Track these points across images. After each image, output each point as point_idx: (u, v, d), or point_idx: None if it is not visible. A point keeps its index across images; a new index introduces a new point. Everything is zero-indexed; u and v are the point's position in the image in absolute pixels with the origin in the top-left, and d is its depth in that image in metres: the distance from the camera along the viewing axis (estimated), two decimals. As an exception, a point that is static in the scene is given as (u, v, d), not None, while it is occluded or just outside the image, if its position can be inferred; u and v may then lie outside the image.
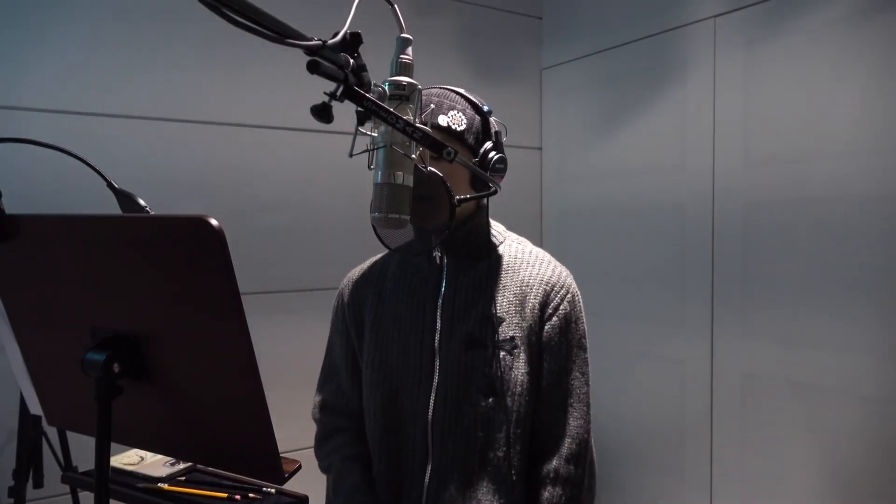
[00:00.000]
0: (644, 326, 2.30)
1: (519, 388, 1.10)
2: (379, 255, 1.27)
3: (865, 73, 1.69)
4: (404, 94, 0.88)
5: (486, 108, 1.13)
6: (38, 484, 1.64)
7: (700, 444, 2.13)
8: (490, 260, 1.16)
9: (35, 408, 1.40)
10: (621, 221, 2.38)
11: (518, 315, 1.11)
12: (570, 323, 1.14)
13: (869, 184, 1.69)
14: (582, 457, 1.12)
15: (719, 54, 2.03)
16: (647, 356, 2.30)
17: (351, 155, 0.92)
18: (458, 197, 1.03)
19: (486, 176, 1.09)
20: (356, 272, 1.27)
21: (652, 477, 2.30)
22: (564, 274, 1.17)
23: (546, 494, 1.09)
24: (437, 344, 1.13)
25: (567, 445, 1.11)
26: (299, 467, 1.57)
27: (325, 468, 1.22)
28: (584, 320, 1.17)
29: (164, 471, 1.39)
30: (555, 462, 1.10)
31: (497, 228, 1.21)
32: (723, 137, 2.03)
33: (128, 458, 1.45)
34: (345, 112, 0.88)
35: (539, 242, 2.57)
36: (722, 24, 2.02)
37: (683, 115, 2.15)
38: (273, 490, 1.35)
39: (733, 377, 2.02)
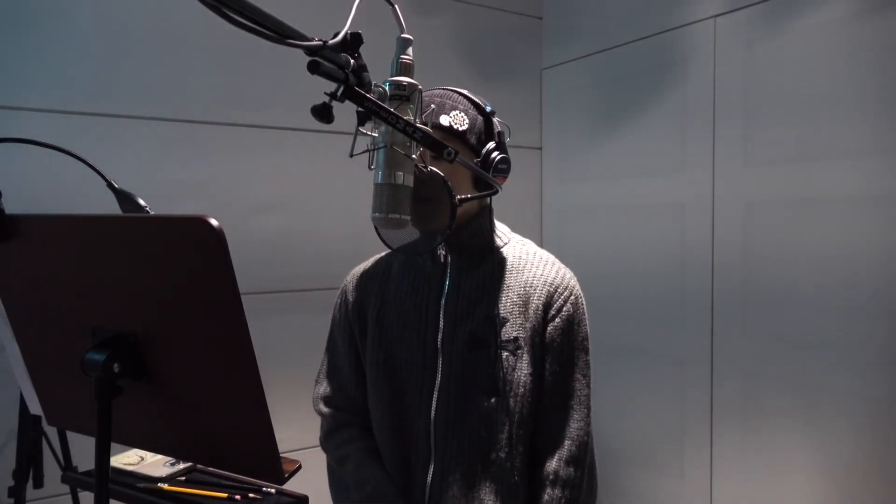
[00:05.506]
0: (644, 326, 2.30)
1: (522, 389, 1.10)
2: (383, 254, 1.27)
3: (865, 72, 1.69)
4: (405, 95, 0.88)
5: (489, 109, 1.13)
6: (38, 484, 1.64)
7: (700, 445, 2.13)
8: (494, 261, 1.16)
9: (35, 408, 1.40)
10: (621, 221, 2.38)
11: (522, 316, 1.11)
12: (572, 325, 1.14)
13: (869, 184, 1.69)
14: (581, 459, 1.12)
15: (719, 54, 2.03)
16: (647, 356, 2.29)
17: (351, 155, 0.92)
18: (458, 197, 1.03)
19: (487, 176, 1.09)
20: (359, 269, 1.27)
21: (652, 477, 2.30)
22: (568, 276, 1.17)
23: (545, 497, 1.09)
24: (440, 343, 1.13)
25: (567, 447, 1.11)
26: (299, 467, 1.57)
27: (339, 458, 1.21)
28: (587, 322, 1.17)
29: (164, 471, 1.39)
30: (554, 464, 1.10)
31: (502, 230, 1.21)
32: (723, 137, 2.03)
33: (128, 458, 1.45)
34: (345, 112, 0.88)
35: (539, 242, 2.57)
36: (722, 24, 2.02)
37: (683, 115, 2.15)
38: (273, 490, 1.35)
39: (733, 377, 2.02)
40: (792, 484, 1.87)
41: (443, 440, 1.11)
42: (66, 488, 1.77)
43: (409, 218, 0.91)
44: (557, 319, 1.12)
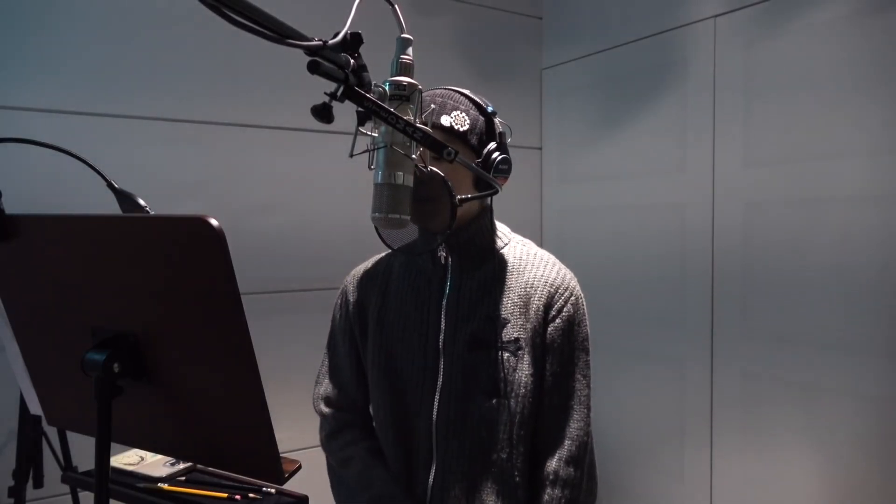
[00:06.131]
0: (644, 326, 2.30)
1: (523, 390, 1.10)
2: (383, 254, 1.27)
3: (865, 72, 1.69)
4: (405, 95, 0.88)
5: (490, 109, 1.13)
6: (38, 484, 1.64)
7: (700, 444, 2.13)
8: (494, 262, 1.16)
9: (35, 408, 1.40)
10: (621, 221, 2.38)
11: (522, 316, 1.11)
12: (573, 325, 1.14)
13: (868, 184, 1.69)
14: (581, 459, 1.12)
15: (719, 54, 2.03)
16: (647, 356, 2.29)
17: (351, 155, 0.92)
18: (459, 197, 1.03)
19: (487, 176, 1.09)
20: (360, 270, 1.27)
21: (652, 477, 2.30)
22: (569, 276, 1.17)
23: (545, 496, 1.09)
24: (441, 344, 1.13)
25: (567, 447, 1.11)
26: (299, 467, 1.58)
27: (342, 459, 1.21)
28: (587, 323, 1.17)
29: (164, 471, 1.39)
30: (554, 464, 1.10)
31: (502, 230, 1.21)
32: (723, 137, 2.03)
33: (128, 458, 1.45)
34: (345, 112, 0.88)
35: (539, 242, 2.57)
36: (722, 24, 2.02)
37: (683, 115, 2.15)
38: (273, 490, 1.35)
39: (733, 377, 2.02)
40: (792, 484, 1.87)
41: (444, 441, 1.11)
42: (66, 488, 1.77)
43: (409, 218, 0.91)
44: (558, 320, 1.12)
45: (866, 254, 1.69)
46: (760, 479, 1.95)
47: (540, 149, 2.75)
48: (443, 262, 1.16)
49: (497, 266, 1.16)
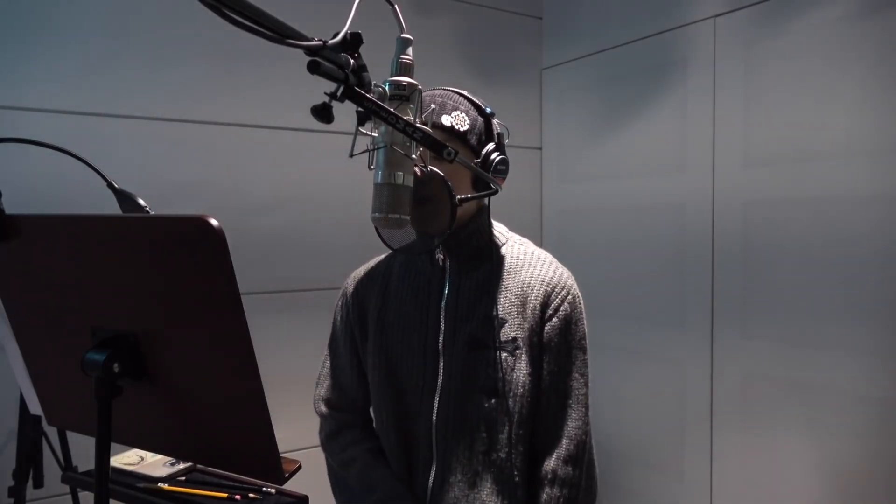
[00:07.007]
0: (644, 326, 2.30)
1: (521, 389, 1.10)
2: (383, 256, 1.28)
3: (865, 73, 1.69)
4: (405, 95, 0.88)
5: (488, 110, 1.13)
6: (38, 484, 1.64)
7: (700, 445, 2.13)
8: (492, 262, 1.16)
9: (35, 408, 1.40)
10: (621, 221, 2.38)
11: (520, 316, 1.12)
12: (570, 324, 1.14)
13: (868, 184, 1.69)
14: (579, 458, 1.12)
15: (719, 54, 2.03)
16: (647, 356, 2.29)
17: (351, 155, 0.92)
18: (459, 197, 1.03)
19: (487, 176, 1.09)
20: (360, 271, 1.27)
21: (652, 477, 2.30)
22: (566, 275, 1.17)
23: (544, 496, 1.09)
24: (440, 345, 1.13)
25: (565, 446, 1.11)
26: (299, 467, 1.58)
27: (344, 461, 1.21)
28: (585, 322, 1.17)
29: (164, 471, 1.39)
30: (552, 463, 1.10)
31: (499, 230, 1.21)
32: (723, 137, 2.03)
33: (128, 458, 1.45)
34: (345, 112, 0.88)
35: (539, 242, 2.57)
36: (722, 24, 2.02)
37: (683, 115, 2.15)
38: (273, 490, 1.35)
39: (733, 377, 2.02)
40: (792, 484, 1.87)
41: (444, 441, 1.11)
42: (66, 488, 1.77)
43: (409, 218, 0.91)
44: (555, 319, 1.12)
45: (866, 254, 1.69)
46: (760, 478, 1.95)
47: (540, 149, 2.75)
48: (441, 263, 1.16)
49: (495, 266, 1.16)
